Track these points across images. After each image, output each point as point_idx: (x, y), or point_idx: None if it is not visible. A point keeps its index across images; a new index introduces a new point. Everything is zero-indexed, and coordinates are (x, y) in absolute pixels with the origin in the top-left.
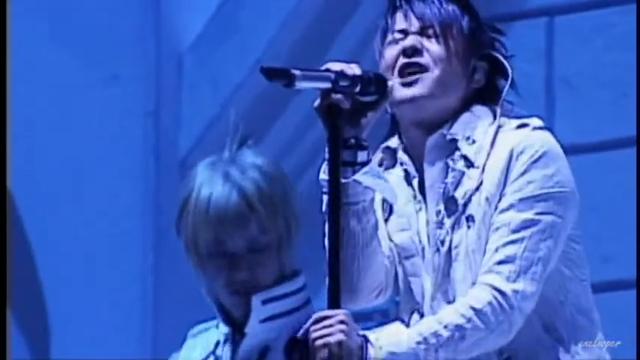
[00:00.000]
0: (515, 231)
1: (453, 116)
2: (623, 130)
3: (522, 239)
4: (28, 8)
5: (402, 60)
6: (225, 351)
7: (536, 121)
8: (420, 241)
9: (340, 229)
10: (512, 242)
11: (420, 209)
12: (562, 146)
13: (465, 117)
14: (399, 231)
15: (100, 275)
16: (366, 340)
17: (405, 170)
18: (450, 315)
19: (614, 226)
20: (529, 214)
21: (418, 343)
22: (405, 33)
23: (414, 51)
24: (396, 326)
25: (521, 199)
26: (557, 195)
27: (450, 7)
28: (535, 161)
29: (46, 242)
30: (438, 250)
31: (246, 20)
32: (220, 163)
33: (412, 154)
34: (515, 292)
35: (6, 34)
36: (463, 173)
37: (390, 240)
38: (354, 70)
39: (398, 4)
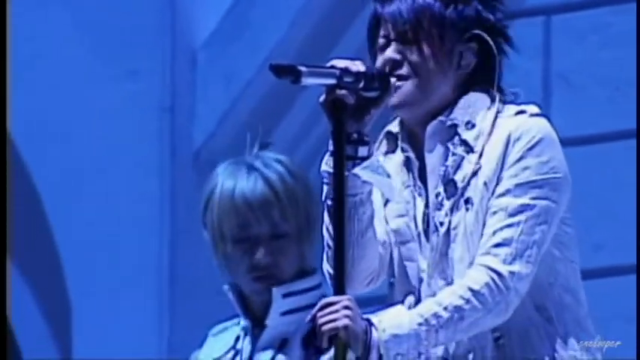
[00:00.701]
0: (511, 215)
1: (451, 102)
2: (617, 123)
3: (518, 223)
4: (51, 6)
5: (387, 69)
6: (245, 344)
7: (533, 108)
8: (417, 227)
9: (343, 218)
10: (509, 226)
11: (420, 194)
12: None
13: (463, 102)
14: (396, 217)
15: (120, 260)
16: (370, 323)
17: (407, 157)
18: (449, 297)
19: (607, 215)
20: (525, 199)
21: (419, 324)
22: (387, 39)
23: (393, 63)
24: (398, 309)
25: (517, 185)
26: (551, 181)
27: (421, 2)
28: (531, 148)
29: (68, 230)
30: (436, 230)
31: (257, 19)
32: (243, 160)
33: (413, 141)
34: (512, 273)
35: (6, 32)
36: (463, 157)
37: (387, 224)
38: (358, 66)
39: (377, 10)
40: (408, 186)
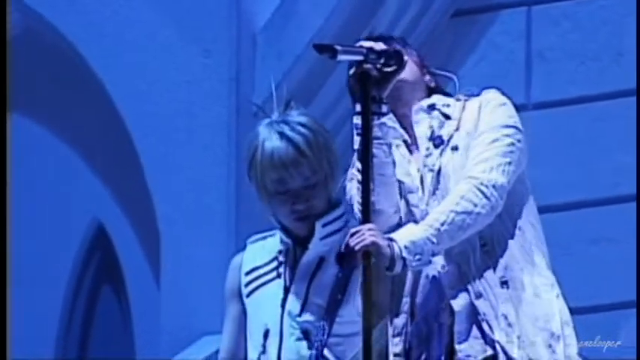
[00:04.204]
0: (487, 144)
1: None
2: (583, 90)
3: (493, 148)
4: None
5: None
6: (287, 258)
7: (494, 89)
8: (416, 181)
9: (370, 162)
10: (486, 150)
11: (410, 161)
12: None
13: (435, 96)
14: (401, 175)
15: (196, 196)
16: (391, 239)
17: (404, 141)
18: (445, 205)
19: (572, 165)
20: (497, 134)
21: (426, 230)
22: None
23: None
24: (410, 225)
25: (491, 127)
26: (517, 127)
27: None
28: (499, 105)
29: (160, 172)
30: (431, 170)
31: (303, 9)
32: (275, 124)
33: (402, 123)
34: (490, 180)
35: (6, 31)
36: (444, 122)
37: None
38: (380, 46)
39: None
40: (406, 154)
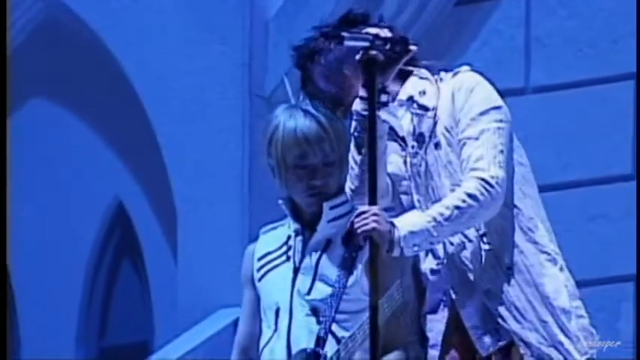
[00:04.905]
0: (476, 139)
1: (401, 85)
2: (580, 74)
3: (483, 142)
4: None
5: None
6: (296, 242)
7: (465, 67)
8: (406, 171)
9: (373, 147)
10: (478, 147)
11: (403, 150)
12: (528, 86)
13: (410, 81)
14: (390, 163)
15: (212, 174)
16: (393, 225)
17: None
18: (450, 200)
19: (570, 146)
20: (481, 125)
21: (428, 222)
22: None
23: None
24: (413, 213)
25: (472, 119)
26: (494, 107)
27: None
28: (470, 91)
29: (177, 155)
30: (418, 170)
31: None
32: (297, 106)
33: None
34: (492, 176)
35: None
36: (423, 115)
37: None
38: (385, 33)
39: None
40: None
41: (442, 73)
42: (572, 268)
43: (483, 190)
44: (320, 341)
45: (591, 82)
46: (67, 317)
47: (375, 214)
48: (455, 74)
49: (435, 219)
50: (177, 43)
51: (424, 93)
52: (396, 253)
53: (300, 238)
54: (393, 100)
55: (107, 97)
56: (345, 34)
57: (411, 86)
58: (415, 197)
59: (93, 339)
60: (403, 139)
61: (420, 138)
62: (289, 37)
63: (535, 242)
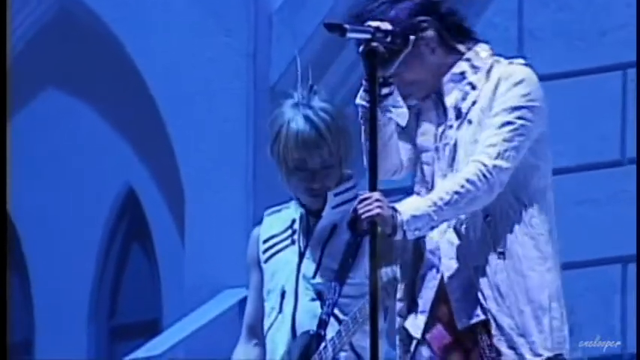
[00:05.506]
0: (498, 127)
1: (453, 60)
2: (570, 66)
3: (502, 133)
4: None
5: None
6: (301, 227)
7: (520, 60)
8: (434, 142)
9: (374, 137)
10: (496, 135)
11: (440, 122)
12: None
13: (470, 53)
14: (421, 135)
15: (218, 161)
16: (395, 209)
17: (435, 100)
18: (449, 185)
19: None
20: (508, 117)
21: (429, 206)
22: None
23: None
24: (414, 198)
25: (504, 109)
26: (529, 106)
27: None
28: (515, 84)
29: (185, 142)
30: (448, 144)
31: None
32: (300, 107)
33: (438, 91)
34: (495, 166)
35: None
36: (467, 93)
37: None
38: (386, 26)
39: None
40: (434, 117)
41: (499, 58)
42: (562, 249)
43: (481, 176)
44: (322, 323)
45: (581, 73)
46: (80, 297)
47: (377, 200)
48: (510, 63)
49: (435, 203)
50: (185, 35)
51: (477, 69)
52: (398, 236)
53: (305, 223)
54: (392, 93)
55: (119, 87)
56: (347, 26)
57: (466, 59)
58: (437, 167)
59: (104, 318)
60: (445, 110)
61: (458, 113)
62: (292, 29)
63: (533, 238)
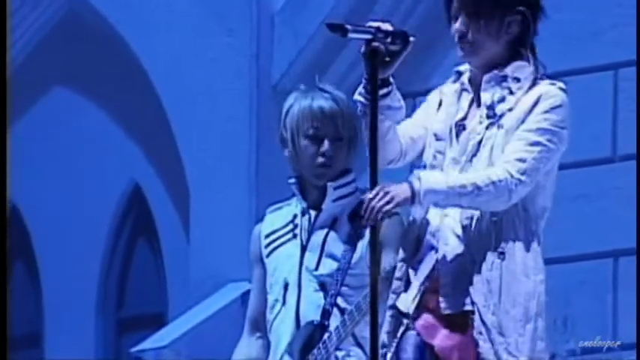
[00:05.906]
0: (530, 145)
1: (504, 58)
2: (564, 65)
3: (532, 151)
4: None
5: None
6: (302, 220)
7: (561, 84)
8: (451, 131)
9: (374, 136)
10: (526, 151)
11: (464, 113)
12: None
13: (516, 64)
14: (438, 122)
15: (222, 158)
16: (410, 181)
17: (463, 89)
18: (475, 177)
19: None
20: (541, 139)
21: (449, 187)
22: (457, 11)
23: (460, 33)
24: (439, 172)
25: (539, 128)
26: (559, 132)
27: None
28: (553, 107)
29: (189, 140)
30: (473, 138)
31: None
32: (314, 87)
33: (472, 82)
34: (520, 180)
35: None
36: (505, 97)
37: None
38: (387, 26)
39: None
40: (453, 104)
41: (543, 78)
42: (556, 243)
43: (506, 185)
44: (326, 314)
45: (574, 72)
46: (88, 291)
47: (385, 193)
48: (552, 84)
49: (453, 187)
50: (188, 35)
51: (518, 80)
52: (417, 203)
53: (306, 216)
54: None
55: (125, 87)
56: (348, 26)
57: (512, 69)
58: (449, 156)
59: (111, 311)
60: (471, 104)
61: (491, 113)
62: (294, 29)
63: (533, 250)
